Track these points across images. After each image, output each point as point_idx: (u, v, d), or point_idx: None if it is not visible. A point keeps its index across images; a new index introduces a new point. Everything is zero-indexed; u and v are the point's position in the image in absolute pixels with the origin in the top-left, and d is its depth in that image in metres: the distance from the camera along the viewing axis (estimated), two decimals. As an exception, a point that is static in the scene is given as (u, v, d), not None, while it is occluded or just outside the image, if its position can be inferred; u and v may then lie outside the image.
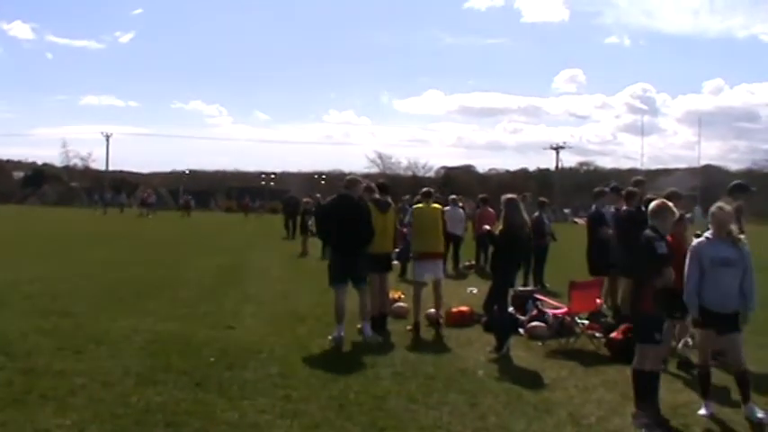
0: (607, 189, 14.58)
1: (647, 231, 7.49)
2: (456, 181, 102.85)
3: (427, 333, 12.00)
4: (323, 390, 8.34)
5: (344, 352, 10.51)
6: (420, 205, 13.52)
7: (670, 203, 7.73)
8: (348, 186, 11.82)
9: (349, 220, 11.39)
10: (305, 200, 33.56)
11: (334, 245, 11.72)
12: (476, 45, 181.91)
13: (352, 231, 11.41)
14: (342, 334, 10.97)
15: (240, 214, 74.57)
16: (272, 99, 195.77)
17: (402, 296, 14.31)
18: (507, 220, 10.96)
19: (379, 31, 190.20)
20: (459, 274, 21.24)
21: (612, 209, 13.62)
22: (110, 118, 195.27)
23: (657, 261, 7.29)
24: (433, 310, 12.78)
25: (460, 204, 23.22)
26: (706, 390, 7.84)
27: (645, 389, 7.42)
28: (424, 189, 13.91)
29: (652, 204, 7.75)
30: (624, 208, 12.68)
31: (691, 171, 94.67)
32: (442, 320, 12.66)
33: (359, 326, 11.72)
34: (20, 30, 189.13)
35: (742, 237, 7.89)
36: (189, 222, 57.18)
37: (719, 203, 7.92)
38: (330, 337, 10.97)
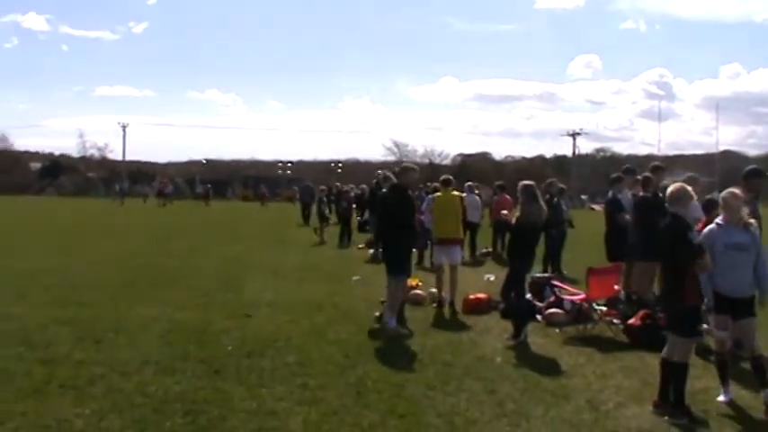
0: (622, 174, 14.49)
1: (675, 220, 7.40)
2: (472, 168, 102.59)
3: (448, 321, 11.99)
4: (340, 377, 8.37)
5: (361, 339, 10.49)
6: (439, 193, 13.64)
7: (689, 188, 7.67)
8: (400, 174, 11.89)
9: (406, 210, 11.52)
10: (321, 188, 33.60)
11: (400, 236, 11.58)
12: (490, 31, 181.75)
13: (409, 222, 11.57)
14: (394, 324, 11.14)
15: (257, 203, 74.64)
16: (286, 87, 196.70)
17: (419, 284, 14.30)
18: (525, 208, 10.93)
19: (393, 19, 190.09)
20: (477, 261, 21.19)
21: (630, 194, 13.59)
22: (125, 108, 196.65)
23: (695, 251, 7.24)
24: (446, 294, 12.94)
25: (476, 191, 23.17)
26: (724, 376, 7.80)
27: (672, 380, 7.37)
28: (444, 177, 13.98)
29: (670, 189, 7.68)
30: (641, 194, 12.64)
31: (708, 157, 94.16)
32: (453, 305, 12.85)
33: (377, 313, 11.78)
34: (34, 21, 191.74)
35: (753, 222, 7.83)
36: (207, 211, 57.26)
37: (731, 189, 7.86)
38: (390, 327, 11.03)
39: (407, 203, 11.60)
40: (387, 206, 11.70)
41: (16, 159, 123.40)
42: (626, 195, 13.91)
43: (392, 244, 11.59)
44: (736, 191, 7.85)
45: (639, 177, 13.32)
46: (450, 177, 13.96)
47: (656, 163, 14.82)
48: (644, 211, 11.99)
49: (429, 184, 24.68)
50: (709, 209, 9.16)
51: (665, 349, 7.47)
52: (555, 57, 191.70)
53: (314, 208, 32.44)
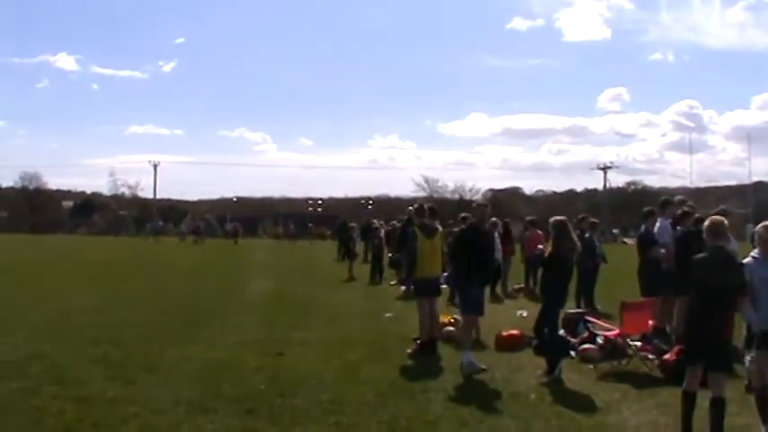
0: (656, 209, 14.39)
1: (720, 251, 7.32)
2: (504, 203, 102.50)
3: (480, 357, 11.91)
4: (374, 415, 8.34)
5: (394, 377, 10.44)
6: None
7: (726, 221, 7.62)
8: (475, 211, 11.87)
9: (484, 249, 11.52)
10: (351, 225, 33.69)
11: (474, 275, 11.48)
12: (518, 66, 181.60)
13: (487, 259, 11.58)
14: (472, 359, 10.86)
15: (286, 241, 74.95)
16: (316, 125, 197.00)
17: (452, 320, 14.23)
18: (557, 243, 10.88)
19: (421, 56, 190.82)
20: (509, 296, 21.09)
21: (670, 225, 13.61)
22: (156, 146, 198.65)
23: (745, 286, 7.20)
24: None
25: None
26: (765, 412, 7.66)
27: (714, 416, 7.22)
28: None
29: (710, 222, 7.62)
30: (679, 228, 12.63)
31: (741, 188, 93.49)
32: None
33: (409, 350, 11.80)
34: (65, 62, 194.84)
35: None
36: (237, 249, 57.47)
37: (765, 223, 7.77)
38: (463, 363, 10.77)
39: (484, 241, 11.60)
40: (464, 244, 11.63)
41: (49, 198, 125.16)
42: (664, 226, 13.80)
43: (470, 283, 11.51)
44: None
45: (677, 200, 13.41)
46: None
47: (680, 197, 14.84)
48: (687, 245, 11.96)
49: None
50: None
51: (715, 389, 7.31)
52: (583, 90, 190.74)
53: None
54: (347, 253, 29.07)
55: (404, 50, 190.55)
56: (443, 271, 13.64)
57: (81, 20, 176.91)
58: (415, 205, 13.88)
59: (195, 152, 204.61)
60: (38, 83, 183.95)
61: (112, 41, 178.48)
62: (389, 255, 25.51)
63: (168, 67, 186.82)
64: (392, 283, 24.31)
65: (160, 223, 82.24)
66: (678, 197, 14.67)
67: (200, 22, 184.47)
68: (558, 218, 11.22)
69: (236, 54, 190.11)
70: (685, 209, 13.07)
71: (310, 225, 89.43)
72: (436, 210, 13.83)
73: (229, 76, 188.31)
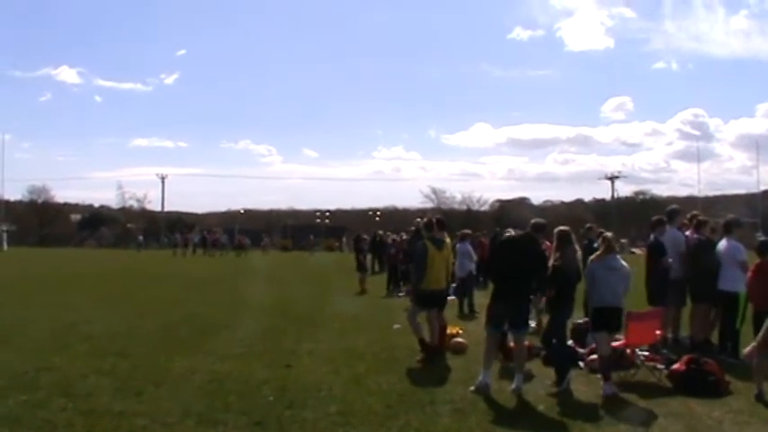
0: (665, 218, 14.37)
1: None
2: (511, 214, 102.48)
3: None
4: (382, 427, 8.34)
5: (403, 388, 10.42)
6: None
7: None
8: (536, 229, 11.34)
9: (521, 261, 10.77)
10: (363, 237, 33.65)
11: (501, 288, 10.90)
12: (521, 76, 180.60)
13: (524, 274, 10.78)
14: (488, 381, 10.26)
15: (294, 252, 74.97)
16: (320, 137, 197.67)
17: (461, 331, 14.24)
18: (560, 254, 10.87)
19: (424, 66, 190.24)
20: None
21: (683, 234, 13.68)
22: (161, 159, 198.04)
23: None
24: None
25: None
26: None
27: None
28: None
29: None
30: (695, 236, 12.67)
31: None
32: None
33: (418, 358, 11.95)
34: (67, 74, 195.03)
35: None
36: (244, 261, 57.51)
37: None
38: (472, 388, 10.24)
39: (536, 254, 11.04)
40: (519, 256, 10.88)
41: (57, 211, 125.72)
42: (674, 235, 13.80)
43: (525, 299, 10.99)
44: None
45: (689, 216, 13.44)
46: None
47: (673, 206, 14.90)
48: (702, 254, 12.02)
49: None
50: (764, 251, 9.11)
51: None
52: (587, 100, 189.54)
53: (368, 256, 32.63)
54: (359, 266, 29.00)
55: (407, 61, 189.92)
56: (452, 282, 13.65)
57: (81, 33, 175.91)
58: (424, 219, 13.90)
59: (200, 164, 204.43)
60: (41, 96, 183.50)
61: (113, 54, 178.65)
62: (402, 267, 25.56)
63: (170, 80, 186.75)
64: (400, 294, 24.31)
65: (178, 236, 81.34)
66: (671, 207, 14.72)
67: (201, 34, 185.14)
68: (562, 228, 11.22)
69: (238, 66, 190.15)
70: (700, 218, 13.11)
71: (311, 237, 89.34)
72: (444, 221, 13.84)
73: (232, 88, 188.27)
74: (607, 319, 10.52)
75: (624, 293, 10.79)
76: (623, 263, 10.92)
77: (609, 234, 11.65)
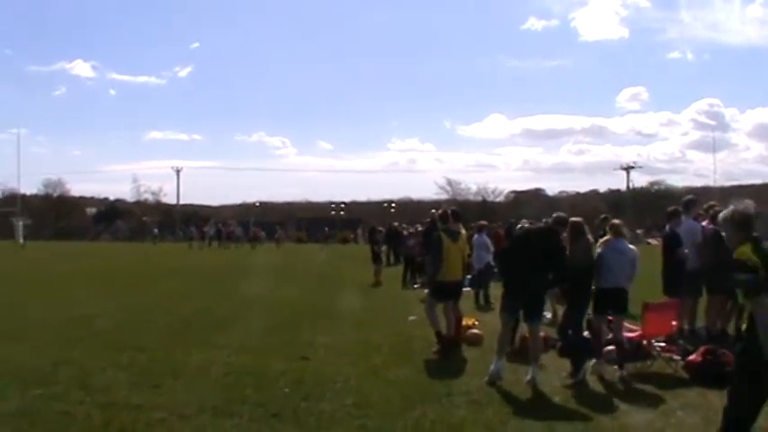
0: (681, 209, 14.32)
1: None
2: (527, 205, 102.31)
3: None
4: (398, 419, 8.34)
5: (419, 380, 10.46)
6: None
7: None
8: (558, 223, 11.42)
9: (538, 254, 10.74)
10: (379, 229, 33.57)
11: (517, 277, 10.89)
12: (535, 67, 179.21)
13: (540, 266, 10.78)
14: (500, 369, 10.34)
15: (311, 245, 75.04)
16: (334, 129, 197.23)
17: (476, 323, 14.25)
18: (573, 246, 10.87)
19: (438, 58, 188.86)
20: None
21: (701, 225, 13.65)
22: (175, 152, 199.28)
23: None
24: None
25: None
26: None
27: None
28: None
29: None
30: (711, 227, 12.62)
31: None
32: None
33: (434, 349, 12.11)
34: (81, 68, 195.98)
35: None
36: (259, 253, 57.65)
37: None
38: (486, 379, 10.29)
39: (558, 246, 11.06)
40: (540, 249, 10.85)
41: (73, 205, 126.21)
42: (690, 225, 13.76)
43: (540, 290, 11.10)
44: None
45: (705, 207, 13.39)
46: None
47: (690, 197, 14.87)
48: (714, 243, 11.96)
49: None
50: None
51: None
52: (601, 90, 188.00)
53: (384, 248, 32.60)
54: (374, 257, 28.96)
55: (421, 53, 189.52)
56: (468, 274, 13.64)
57: (95, 27, 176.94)
58: (440, 210, 13.90)
59: (214, 157, 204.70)
60: (55, 90, 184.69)
61: (127, 48, 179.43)
62: (418, 259, 25.52)
63: (184, 72, 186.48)
64: (416, 286, 24.31)
65: (205, 229, 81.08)
66: (687, 197, 14.68)
67: (214, 27, 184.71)
68: (575, 219, 11.22)
69: (252, 58, 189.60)
70: (716, 208, 13.06)
71: (326, 229, 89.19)
72: (459, 213, 13.83)
73: (245, 81, 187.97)
74: (612, 299, 10.75)
75: (632, 276, 11.03)
76: (631, 246, 11.20)
77: (617, 221, 11.66)
